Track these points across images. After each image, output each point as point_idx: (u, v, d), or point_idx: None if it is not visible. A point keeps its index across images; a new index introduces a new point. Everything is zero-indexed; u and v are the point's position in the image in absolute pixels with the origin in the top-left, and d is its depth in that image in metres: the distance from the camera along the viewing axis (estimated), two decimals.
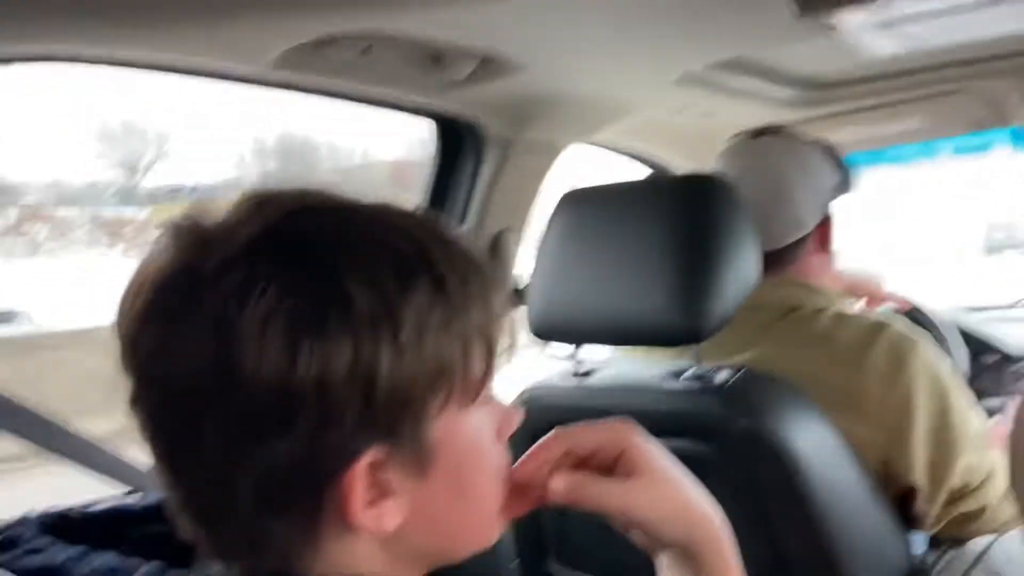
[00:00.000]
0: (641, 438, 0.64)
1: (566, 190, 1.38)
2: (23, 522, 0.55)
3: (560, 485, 0.62)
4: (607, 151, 1.94)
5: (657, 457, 0.64)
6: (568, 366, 1.47)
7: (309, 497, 0.50)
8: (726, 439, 1.22)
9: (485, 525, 0.59)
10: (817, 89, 1.76)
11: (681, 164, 2.02)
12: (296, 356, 0.47)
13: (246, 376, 0.47)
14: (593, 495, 0.62)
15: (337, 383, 0.48)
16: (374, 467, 0.51)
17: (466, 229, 1.59)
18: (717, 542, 0.65)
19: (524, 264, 1.65)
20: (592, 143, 1.83)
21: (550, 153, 1.64)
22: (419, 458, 0.53)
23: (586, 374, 1.43)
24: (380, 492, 0.52)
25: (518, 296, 1.62)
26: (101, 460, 0.94)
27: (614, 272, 1.28)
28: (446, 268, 0.53)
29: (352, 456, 0.50)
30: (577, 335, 1.35)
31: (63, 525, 0.56)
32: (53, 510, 0.58)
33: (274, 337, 0.47)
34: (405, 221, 0.55)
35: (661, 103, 1.64)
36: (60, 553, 0.50)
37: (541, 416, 1.42)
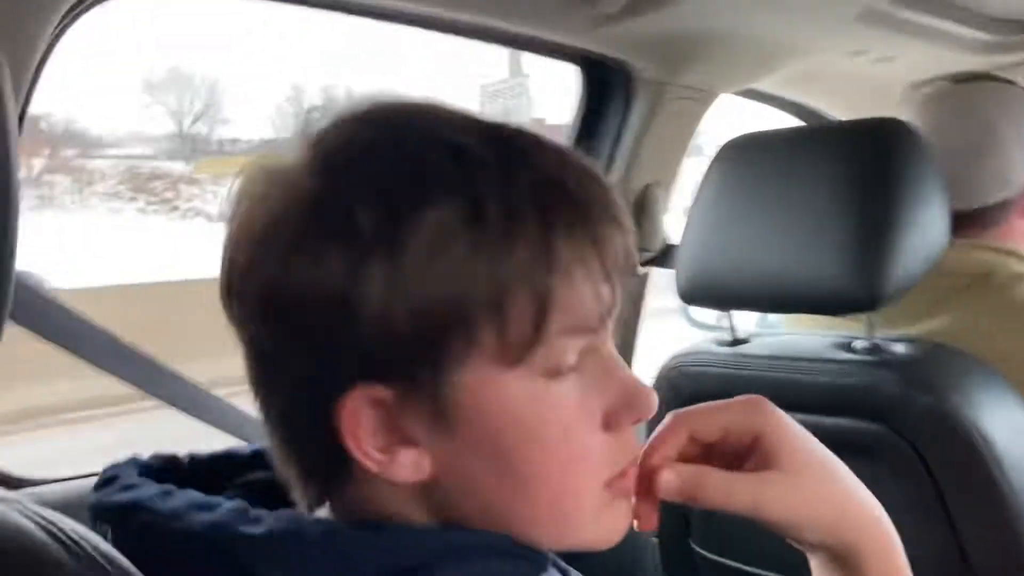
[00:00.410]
0: (779, 419, 0.55)
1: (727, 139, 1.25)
2: (129, 463, 0.54)
3: (672, 480, 0.53)
4: (759, 103, 1.78)
5: (800, 444, 0.55)
6: (718, 333, 1.36)
7: (320, 424, 0.47)
8: (903, 420, 1.11)
9: (562, 517, 0.50)
10: (1019, 32, 1.55)
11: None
12: (288, 268, 0.46)
13: (280, 290, 0.47)
14: (715, 493, 0.53)
15: (321, 300, 0.45)
16: (379, 405, 0.47)
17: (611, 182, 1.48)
18: (879, 544, 0.56)
19: (673, 221, 1.53)
20: (747, 92, 1.68)
21: (705, 100, 1.51)
22: (440, 410, 0.47)
23: (740, 342, 1.31)
24: (397, 438, 0.47)
25: (665, 256, 1.50)
26: (212, 407, 0.91)
27: (779, 230, 1.16)
28: (490, 190, 0.46)
29: (345, 385, 0.46)
30: (732, 300, 1.24)
31: (168, 468, 0.55)
32: (161, 454, 0.56)
33: (277, 246, 0.46)
34: (464, 130, 0.48)
35: (835, 45, 1.48)
36: (149, 490, 0.49)
37: (691, 387, 1.34)
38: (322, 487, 0.51)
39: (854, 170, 1.11)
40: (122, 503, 0.49)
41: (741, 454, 0.55)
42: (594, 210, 0.48)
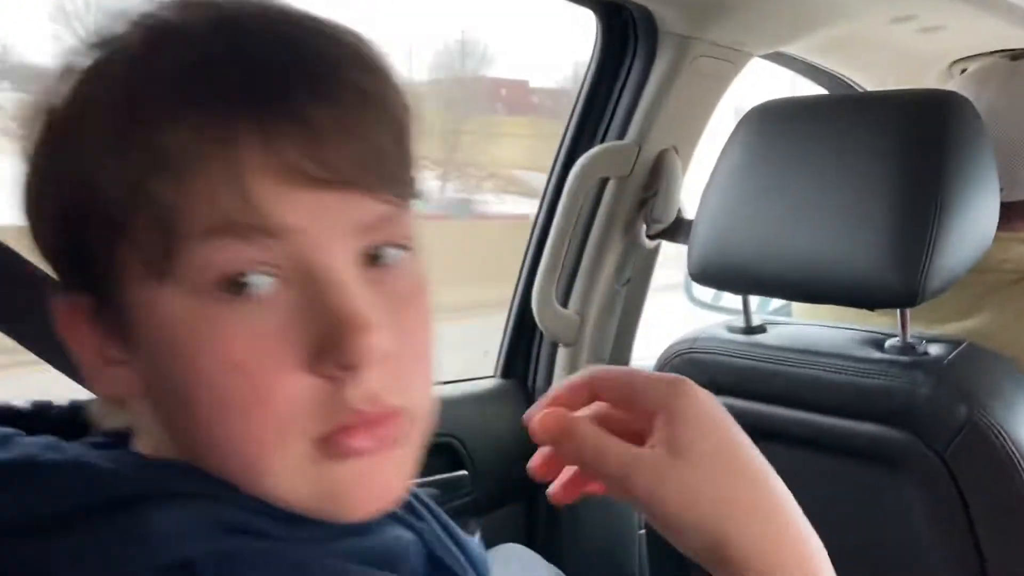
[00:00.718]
0: (695, 399, 0.48)
1: (753, 105, 1.13)
2: None
3: (547, 418, 0.49)
4: (788, 69, 1.65)
5: (711, 432, 0.47)
6: (732, 319, 1.25)
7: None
8: (935, 429, 1.01)
9: (251, 468, 0.43)
10: None
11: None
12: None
13: None
14: (583, 444, 0.48)
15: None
16: (82, 312, 0.45)
17: (625, 144, 1.35)
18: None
19: (691, 193, 1.40)
20: (777, 57, 1.54)
21: (735, 61, 1.37)
22: (120, 323, 0.44)
23: (755, 330, 1.19)
24: (113, 355, 0.45)
25: (677, 229, 1.38)
26: None
27: (810, 209, 1.04)
28: (128, 72, 0.41)
29: (67, 287, 0.45)
30: (751, 284, 1.12)
31: (36, 414, 0.54)
32: (39, 400, 0.55)
33: None
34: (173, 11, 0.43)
35: (880, 8, 1.34)
36: None
37: (699, 376, 1.22)
38: (106, 411, 0.49)
39: (903, 145, 0.99)
40: None
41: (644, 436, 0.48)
42: (256, 98, 0.40)
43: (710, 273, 1.15)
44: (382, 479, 0.45)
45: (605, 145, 1.35)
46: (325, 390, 0.42)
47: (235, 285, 0.41)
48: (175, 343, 0.42)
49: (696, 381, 1.13)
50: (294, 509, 0.44)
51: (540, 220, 1.40)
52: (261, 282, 0.41)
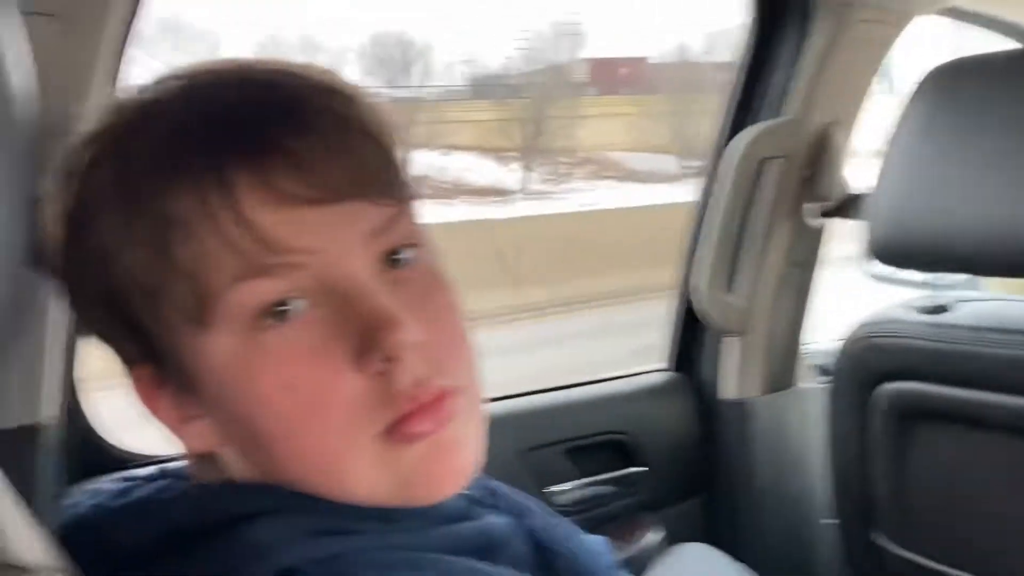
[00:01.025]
0: None
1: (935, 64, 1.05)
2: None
3: None
4: (964, 23, 1.53)
5: None
6: (910, 298, 1.17)
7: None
8: None
9: (336, 476, 0.47)
10: None
11: None
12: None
13: None
14: None
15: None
16: (151, 381, 0.48)
17: (785, 121, 1.28)
18: None
19: (858, 167, 1.32)
20: (949, 12, 1.43)
21: (897, 23, 1.29)
22: (187, 382, 0.47)
23: (941, 308, 1.12)
24: (189, 412, 0.48)
25: (846, 206, 1.31)
26: None
27: (1002, 176, 0.96)
28: (116, 154, 0.46)
29: (130, 363, 0.49)
30: (940, 260, 1.05)
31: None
32: None
33: None
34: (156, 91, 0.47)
35: None
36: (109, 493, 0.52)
37: (886, 362, 1.16)
38: (198, 465, 0.51)
39: None
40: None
41: None
42: (233, 141, 0.44)
43: (892, 251, 1.08)
44: (449, 456, 0.48)
45: (765, 124, 1.29)
46: (376, 386, 0.45)
47: (272, 314, 0.44)
48: (234, 381, 0.45)
49: (882, 368, 1.07)
50: (379, 503, 0.47)
51: (700, 204, 1.36)
52: (294, 304, 0.45)
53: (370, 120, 0.48)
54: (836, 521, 1.30)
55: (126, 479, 0.53)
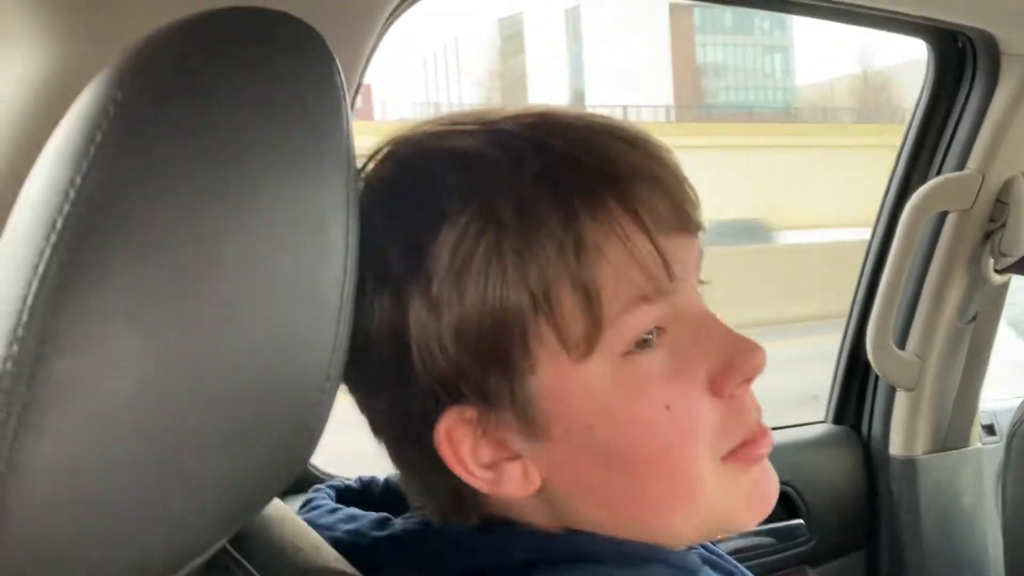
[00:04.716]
0: None
1: None
2: (330, 485, 0.57)
3: None
4: None
5: None
6: None
7: (428, 457, 0.47)
8: None
9: (684, 498, 0.47)
10: None
11: None
12: (360, 312, 0.45)
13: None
14: None
15: (382, 342, 0.46)
16: (470, 425, 0.46)
17: (967, 174, 1.26)
18: None
19: None
20: None
21: None
22: (527, 419, 0.46)
23: None
24: (499, 454, 0.47)
25: None
26: None
27: None
28: (498, 190, 0.44)
29: (432, 416, 0.46)
30: None
31: (360, 490, 0.59)
32: (363, 477, 0.60)
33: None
34: (471, 133, 0.46)
35: None
36: (322, 509, 0.54)
37: None
38: (457, 515, 0.49)
39: None
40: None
41: None
42: (621, 175, 0.45)
43: None
44: (773, 480, 0.51)
45: (944, 177, 1.27)
46: (727, 410, 0.47)
47: (643, 341, 0.46)
48: (607, 408, 0.45)
49: None
50: (737, 529, 0.50)
51: (872, 255, 1.34)
52: (657, 332, 0.46)
53: (678, 162, 0.49)
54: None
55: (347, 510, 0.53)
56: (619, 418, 0.46)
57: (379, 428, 0.50)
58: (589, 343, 0.44)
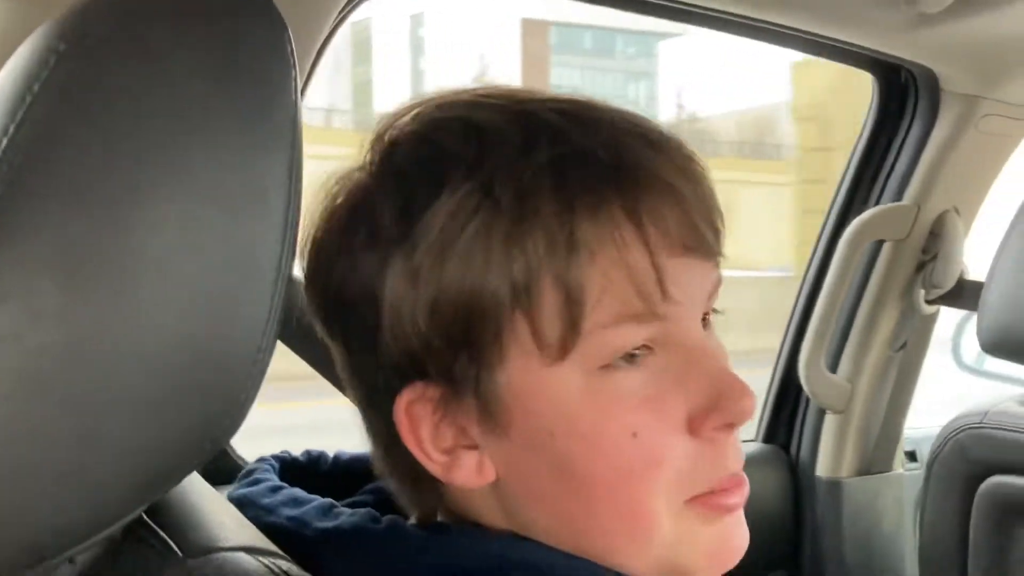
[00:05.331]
0: None
1: None
2: (274, 457, 0.55)
3: None
4: None
5: None
6: (1015, 389, 1.17)
7: (383, 426, 0.46)
8: None
9: (635, 533, 0.44)
10: None
11: None
12: (332, 269, 0.46)
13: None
14: None
15: (357, 301, 0.44)
16: (431, 404, 0.44)
17: (903, 205, 1.30)
18: None
19: (973, 256, 1.32)
20: None
21: None
22: (489, 410, 0.44)
23: None
24: (458, 441, 0.45)
25: (959, 294, 1.31)
26: None
27: None
28: (503, 170, 0.41)
29: (396, 385, 0.44)
30: None
31: (305, 466, 0.56)
32: (310, 451, 0.57)
33: (329, 248, 0.46)
34: (498, 108, 0.44)
35: None
36: (262, 486, 0.51)
37: (987, 453, 1.15)
38: (413, 494, 0.48)
39: None
40: (235, 496, 0.50)
41: None
42: (634, 179, 0.42)
43: (1004, 344, 1.08)
44: (744, 530, 0.47)
45: (881, 207, 1.30)
46: (701, 452, 0.44)
47: (631, 357, 0.43)
48: (571, 419, 0.43)
49: (988, 458, 1.07)
50: (662, 573, 0.45)
51: (809, 281, 1.37)
52: (643, 352, 0.43)
53: (709, 175, 0.46)
54: None
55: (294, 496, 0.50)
56: (581, 432, 0.43)
57: (349, 386, 0.48)
58: (563, 348, 0.42)
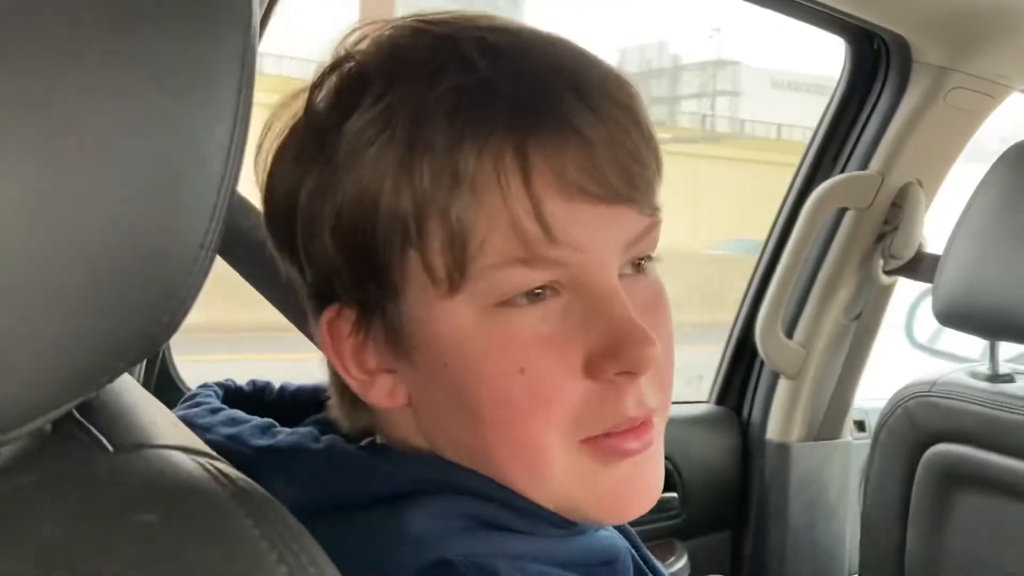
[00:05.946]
0: None
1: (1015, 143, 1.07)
2: (217, 384, 0.55)
3: None
4: None
5: None
6: (976, 365, 1.18)
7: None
8: None
9: (527, 470, 0.45)
10: None
11: None
12: (273, 179, 0.47)
13: None
14: None
15: (283, 211, 0.46)
16: (349, 323, 0.46)
17: (868, 174, 1.30)
18: None
19: (933, 230, 1.34)
20: None
21: (994, 95, 1.30)
22: (396, 336, 0.45)
23: (1003, 378, 1.13)
24: (380, 363, 0.46)
25: (917, 266, 1.32)
26: None
27: None
28: (407, 96, 0.42)
29: (318, 302, 0.46)
30: (1002, 329, 1.06)
31: (250, 394, 0.55)
32: (256, 380, 0.57)
33: (277, 160, 0.47)
34: (428, 35, 0.44)
35: None
36: (201, 408, 0.51)
37: (936, 421, 1.17)
38: (351, 412, 0.49)
39: None
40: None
41: None
42: (531, 118, 0.41)
43: (957, 315, 1.10)
44: (648, 478, 0.46)
45: (846, 175, 1.31)
46: (599, 394, 0.44)
47: (527, 295, 0.43)
48: (462, 352, 0.43)
49: (934, 426, 1.09)
50: (561, 512, 0.45)
51: (770, 246, 1.38)
52: (548, 292, 0.43)
53: (647, 118, 0.45)
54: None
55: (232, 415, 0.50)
56: (470, 366, 0.43)
57: (294, 306, 0.50)
58: (452, 284, 0.42)
